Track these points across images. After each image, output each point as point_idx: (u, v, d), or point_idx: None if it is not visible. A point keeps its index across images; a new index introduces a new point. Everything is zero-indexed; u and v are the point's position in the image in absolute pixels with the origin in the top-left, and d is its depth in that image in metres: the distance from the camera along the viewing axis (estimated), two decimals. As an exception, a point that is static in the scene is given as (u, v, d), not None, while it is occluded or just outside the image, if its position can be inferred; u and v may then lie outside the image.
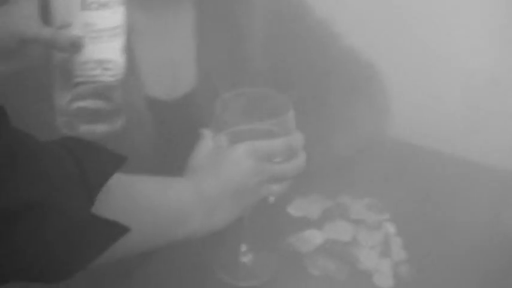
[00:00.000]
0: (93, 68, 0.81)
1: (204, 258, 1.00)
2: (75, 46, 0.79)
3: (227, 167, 0.86)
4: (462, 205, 1.08)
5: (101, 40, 0.80)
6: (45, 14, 0.81)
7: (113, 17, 0.82)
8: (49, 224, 0.64)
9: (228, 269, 0.99)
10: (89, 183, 0.69)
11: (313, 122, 1.10)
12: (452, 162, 1.18)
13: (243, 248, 1.00)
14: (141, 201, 0.78)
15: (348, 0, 1.31)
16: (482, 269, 1.00)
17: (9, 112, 0.66)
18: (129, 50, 0.89)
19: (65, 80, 0.82)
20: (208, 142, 0.92)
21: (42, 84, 0.86)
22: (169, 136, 1.06)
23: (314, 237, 1.04)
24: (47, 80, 0.85)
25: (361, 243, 1.03)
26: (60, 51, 0.80)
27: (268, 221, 1.04)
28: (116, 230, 0.71)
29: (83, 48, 0.80)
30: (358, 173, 1.13)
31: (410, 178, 1.14)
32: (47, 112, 0.85)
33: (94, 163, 0.71)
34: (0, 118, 0.64)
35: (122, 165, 0.75)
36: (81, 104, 0.83)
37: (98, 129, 0.83)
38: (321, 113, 1.12)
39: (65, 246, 0.67)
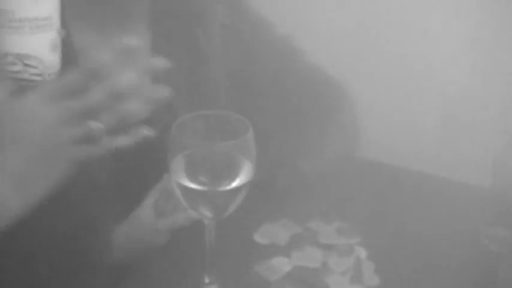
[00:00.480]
0: (12, 62, 0.73)
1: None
2: None
3: (22, 127, 0.70)
4: (436, 223, 1.06)
5: (22, 31, 0.73)
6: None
7: (38, 7, 0.74)
8: None
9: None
10: None
11: (278, 143, 1.09)
12: (423, 180, 1.16)
13: (206, 279, 0.97)
14: None
15: (312, 16, 1.28)
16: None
17: None
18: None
19: None
20: None
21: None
22: (125, 161, 1.03)
23: (282, 264, 1.02)
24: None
25: (331, 269, 1.01)
26: None
27: (233, 249, 1.02)
28: None
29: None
30: (327, 195, 1.11)
31: (381, 198, 1.12)
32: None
33: None
34: None
35: None
36: None
37: None
38: (287, 133, 1.10)
39: None
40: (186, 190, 0.90)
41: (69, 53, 0.82)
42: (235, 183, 0.91)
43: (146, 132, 0.80)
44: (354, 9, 1.34)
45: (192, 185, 0.89)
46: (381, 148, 1.17)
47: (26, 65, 0.74)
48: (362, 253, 1.04)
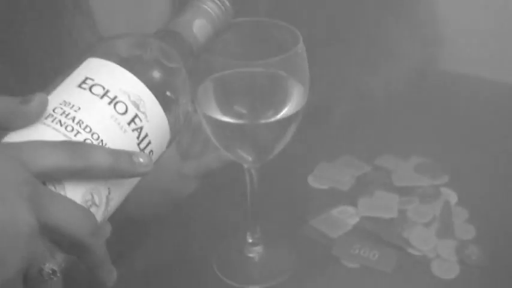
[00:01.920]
0: None
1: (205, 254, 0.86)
2: None
3: None
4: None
5: None
6: None
7: None
8: None
9: (230, 269, 0.84)
10: None
11: (337, 57, 0.97)
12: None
13: (249, 239, 0.84)
14: None
15: None
16: None
17: None
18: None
19: None
20: None
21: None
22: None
23: (346, 216, 0.89)
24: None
25: (411, 220, 0.88)
26: None
27: (282, 198, 0.91)
28: None
29: None
30: (400, 123, 0.99)
31: (470, 122, 1.00)
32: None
33: None
34: None
35: None
36: None
37: None
38: (347, 43, 0.98)
39: None
40: (217, 125, 0.77)
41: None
42: (282, 113, 0.76)
43: None
44: None
45: (225, 118, 0.76)
46: (466, 59, 1.05)
47: None
48: (452, 197, 0.90)
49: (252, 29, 0.77)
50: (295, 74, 0.76)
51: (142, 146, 0.62)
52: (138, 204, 0.86)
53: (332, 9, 0.97)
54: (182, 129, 0.66)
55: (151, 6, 0.94)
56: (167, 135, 0.65)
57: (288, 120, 0.76)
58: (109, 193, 0.61)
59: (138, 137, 0.62)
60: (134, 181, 0.64)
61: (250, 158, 0.79)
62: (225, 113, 0.76)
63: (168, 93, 0.65)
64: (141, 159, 0.61)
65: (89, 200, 0.59)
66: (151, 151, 0.63)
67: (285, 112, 0.76)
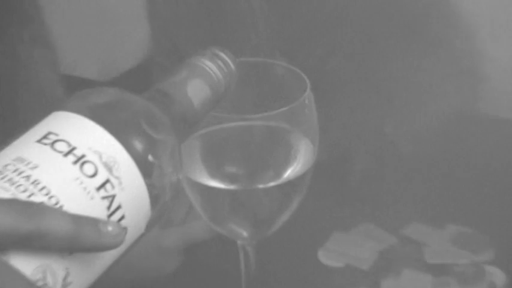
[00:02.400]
0: None
1: None
2: None
3: None
4: None
5: None
6: None
7: None
8: None
9: None
10: None
11: (358, 99, 0.89)
12: None
13: None
14: None
15: None
16: None
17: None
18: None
19: None
20: None
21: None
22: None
23: None
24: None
25: None
26: None
27: (285, 277, 0.82)
28: None
29: None
30: (434, 183, 0.88)
31: None
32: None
33: None
34: None
35: None
36: None
37: None
38: (371, 85, 0.89)
39: None
40: (203, 191, 0.68)
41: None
42: (285, 176, 0.67)
43: None
44: None
45: (214, 183, 0.67)
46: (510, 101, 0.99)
47: None
48: (498, 278, 0.82)
49: (249, 71, 0.70)
50: (301, 127, 0.68)
51: (113, 219, 0.55)
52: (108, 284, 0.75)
53: (352, 42, 0.90)
54: (168, 206, 0.59)
55: (127, 38, 0.89)
56: (147, 212, 0.57)
57: (292, 184, 0.67)
58: (67, 275, 0.53)
59: (108, 207, 0.54)
60: (99, 265, 0.55)
61: (245, 234, 0.69)
62: (214, 176, 0.67)
63: (150, 157, 0.57)
64: (110, 228, 0.54)
65: (40, 279, 0.52)
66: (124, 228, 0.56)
67: (288, 174, 0.66)
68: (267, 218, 0.69)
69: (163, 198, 0.59)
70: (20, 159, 0.55)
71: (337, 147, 0.84)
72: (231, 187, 0.66)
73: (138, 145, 0.57)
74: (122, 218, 0.55)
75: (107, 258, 0.56)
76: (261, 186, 0.66)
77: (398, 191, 0.88)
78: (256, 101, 0.69)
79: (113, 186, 0.55)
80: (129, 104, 0.60)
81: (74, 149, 0.55)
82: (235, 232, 0.69)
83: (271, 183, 0.66)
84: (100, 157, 0.56)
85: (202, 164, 0.68)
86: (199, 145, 0.68)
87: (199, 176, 0.67)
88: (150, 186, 0.57)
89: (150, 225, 0.59)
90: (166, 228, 0.85)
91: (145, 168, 0.57)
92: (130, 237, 0.57)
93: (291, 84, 0.69)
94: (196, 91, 0.63)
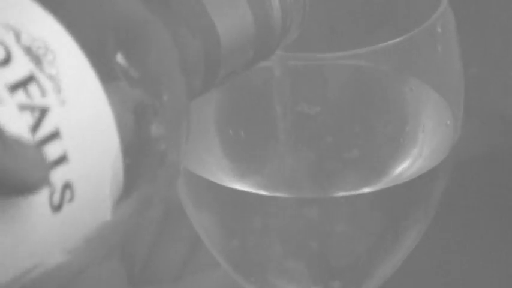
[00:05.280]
0: None
1: None
2: None
3: None
4: None
5: None
6: None
7: None
8: None
9: None
10: None
11: None
12: None
13: None
14: None
15: None
16: None
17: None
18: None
19: None
20: None
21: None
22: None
23: None
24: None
25: None
26: None
27: None
28: None
29: None
30: None
31: None
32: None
33: None
34: None
35: None
36: None
37: None
38: None
39: None
40: (222, 203, 0.37)
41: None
42: (395, 176, 0.35)
43: None
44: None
45: (244, 187, 0.35)
46: None
47: None
48: None
49: None
50: (430, 79, 0.38)
51: (42, 156, 0.29)
52: None
53: None
54: (162, 179, 0.31)
55: None
56: (114, 165, 0.30)
57: (410, 191, 0.35)
58: None
59: (34, 128, 0.28)
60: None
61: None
62: (243, 172, 0.35)
63: (120, 58, 0.31)
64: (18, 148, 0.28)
65: None
66: (67, 183, 0.29)
67: (402, 172, 0.35)
68: (355, 262, 0.36)
69: (149, 151, 0.31)
70: None
71: (495, 129, 0.53)
72: (283, 195, 0.34)
73: (97, 33, 0.32)
74: (61, 160, 0.29)
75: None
76: (343, 194, 0.34)
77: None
78: (346, 28, 0.40)
79: (42, 92, 0.30)
80: None
81: None
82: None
83: (366, 189, 0.34)
84: (17, 37, 0.31)
85: (219, 144, 0.36)
86: (214, 105, 0.35)
87: (214, 169, 0.35)
88: (121, 111, 0.31)
89: (122, 210, 0.31)
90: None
91: (109, 74, 0.31)
92: (78, 204, 0.29)
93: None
94: (229, 19, 0.35)
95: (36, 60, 0.31)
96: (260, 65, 0.33)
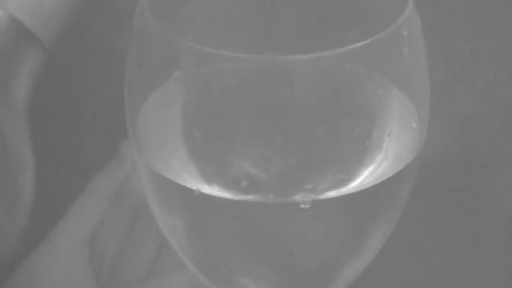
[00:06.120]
0: None
1: None
2: None
3: None
4: None
5: None
6: None
7: None
8: None
9: None
10: None
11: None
12: None
13: None
14: None
15: None
16: None
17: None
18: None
19: None
20: None
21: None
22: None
23: None
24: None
25: None
26: None
27: None
28: None
29: None
30: None
31: None
32: None
33: None
34: None
35: None
36: None
37: None
38: None
39: None
40: (187, 205, 0.36)
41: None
42: (360, 181, 0.34)
43: None
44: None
45: (215, 190, 0.35)
46: None
47: None
48: None
49: None
50: (395, 80, 0.36)
51: None
52: None
53: None
54: None
55: None
56: None
57: (376, 195, 0.34)
58: None
59: None
60: None
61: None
62: (209, 174, 0.34)
63: None
64: None
65: None
66: None
67: (368, 176, 0.34)
68: (321, 265, 0.36)
69: None
70: None
71: (461, 130, 0.51)
72: (247, 198, 0.33)
73: None
74: None
75: None
76: (311, 197, 0.34)
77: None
78: (301, 29, 0.39)
79: None
80: None
81: None
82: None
83: (331, 193, 0.34)
84: None
85: (185, 148, 0.35)
86: (180, 109, 0.35)
87: (179, 171, 0.34)
88: None
89: None
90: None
91: None
92: None
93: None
94: None
95: None
96: (226, 66, 0.33)
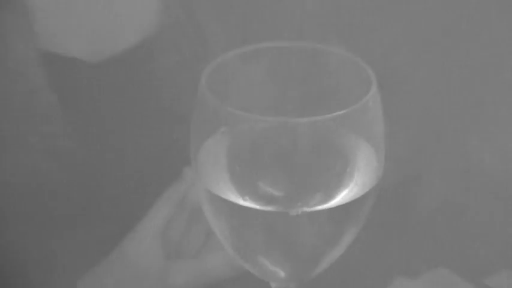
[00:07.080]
0: None
1: None
2: None
3: None
4: None
5: None
6: None
7: None
8: None
9: None
10: None
11: (438, 103, 0.80)
12: None
13: None
14: None
15: None
16: None
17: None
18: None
19: None
20: None
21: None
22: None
23: None
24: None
25: None
26: None
27: None
28: None
29: None
30: None
31: None
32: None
33: None
34: None
35: None
36: None
37: None
38: (452, 86, 0.77)
39: None
40: (230, 212, 0.57)
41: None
42: (339, 198, 0.55)
43: None
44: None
45: (244, 202, 0.55)
46: None
47: None
48: None
49: (294, 59, 0.60)
50: (363, 136, 0.56)
51: None
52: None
53: (424, 31, 0.76)
54: None
55: (127, 5, 0.79)
56: None
57: (347, 210, 0.55)
58: None
59: None
60: None
61: (282, 273, 0.58)
62: (244, 192, 0.54)
63: None
64: None
65: None
66: None
67: (343, 197, 0.55)
68: (312, 253, 0.57)
69: None
70: None
71: (405, 166, 0.70)
72: (267, 208, 0.54)
73: None
74: None
75: None
76: (305, 209, 0.54)
77: (484, 225, 0.74)
78: (303, 100, 0.58)
79: None
80: None
81: None
82: (268, 271, 0.58)
83: (319, 207, 0.54)
84: None
85: (228, 175, 0.56)
86: (226, 150, 0.55)
87: (225, 190, 0.54)
88: None
89: None
90: (175, 261, 0.76)
91: None
92: None
93: (351, 80, 0.58)
94: None
95: None
96: (255, 124, 0.53)
